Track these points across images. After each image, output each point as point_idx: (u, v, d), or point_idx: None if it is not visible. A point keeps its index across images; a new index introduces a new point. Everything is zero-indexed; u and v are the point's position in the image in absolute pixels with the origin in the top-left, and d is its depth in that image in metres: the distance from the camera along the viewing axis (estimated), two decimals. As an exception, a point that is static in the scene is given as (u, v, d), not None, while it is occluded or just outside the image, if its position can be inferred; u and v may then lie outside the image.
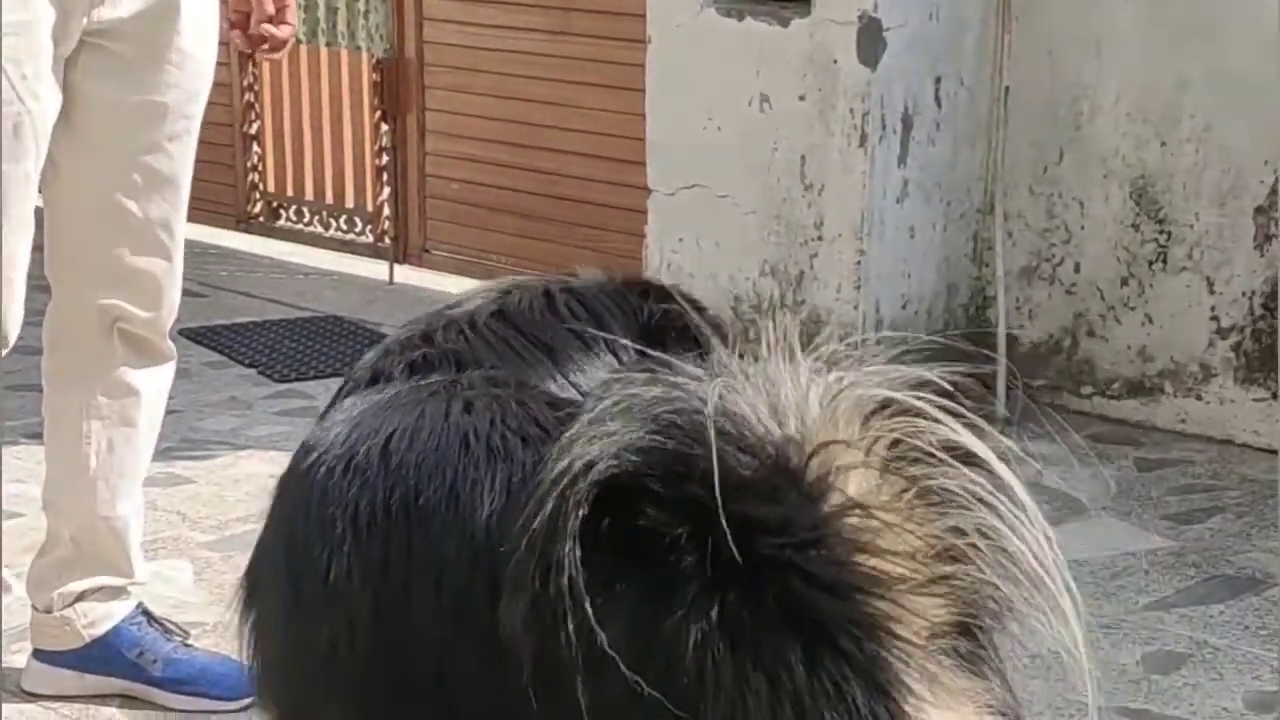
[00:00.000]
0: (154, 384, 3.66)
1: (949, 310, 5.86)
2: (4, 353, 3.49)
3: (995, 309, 5.77)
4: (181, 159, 3.53)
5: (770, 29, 5.66)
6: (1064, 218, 5.74)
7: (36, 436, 5.26)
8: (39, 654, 3.80)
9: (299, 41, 7.54)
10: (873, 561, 1.65)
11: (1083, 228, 5.71)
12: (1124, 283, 5.65)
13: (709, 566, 1.63)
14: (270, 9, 3.51)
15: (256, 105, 7.92)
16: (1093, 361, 5.75)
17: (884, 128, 5.55)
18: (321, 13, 7.42)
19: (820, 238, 5.67)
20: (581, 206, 6.76)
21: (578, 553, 1.61)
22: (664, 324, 2.19)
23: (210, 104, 7.67)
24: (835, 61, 5.54)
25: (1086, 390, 5.76)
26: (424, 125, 7.31)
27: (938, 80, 5.68)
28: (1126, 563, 4.54)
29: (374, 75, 7.42)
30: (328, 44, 7.51)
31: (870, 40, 5.48)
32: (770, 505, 1.64)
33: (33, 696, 3.74)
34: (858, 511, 1.65)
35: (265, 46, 3.58)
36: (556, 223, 6.89)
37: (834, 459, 1.66)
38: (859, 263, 5.61)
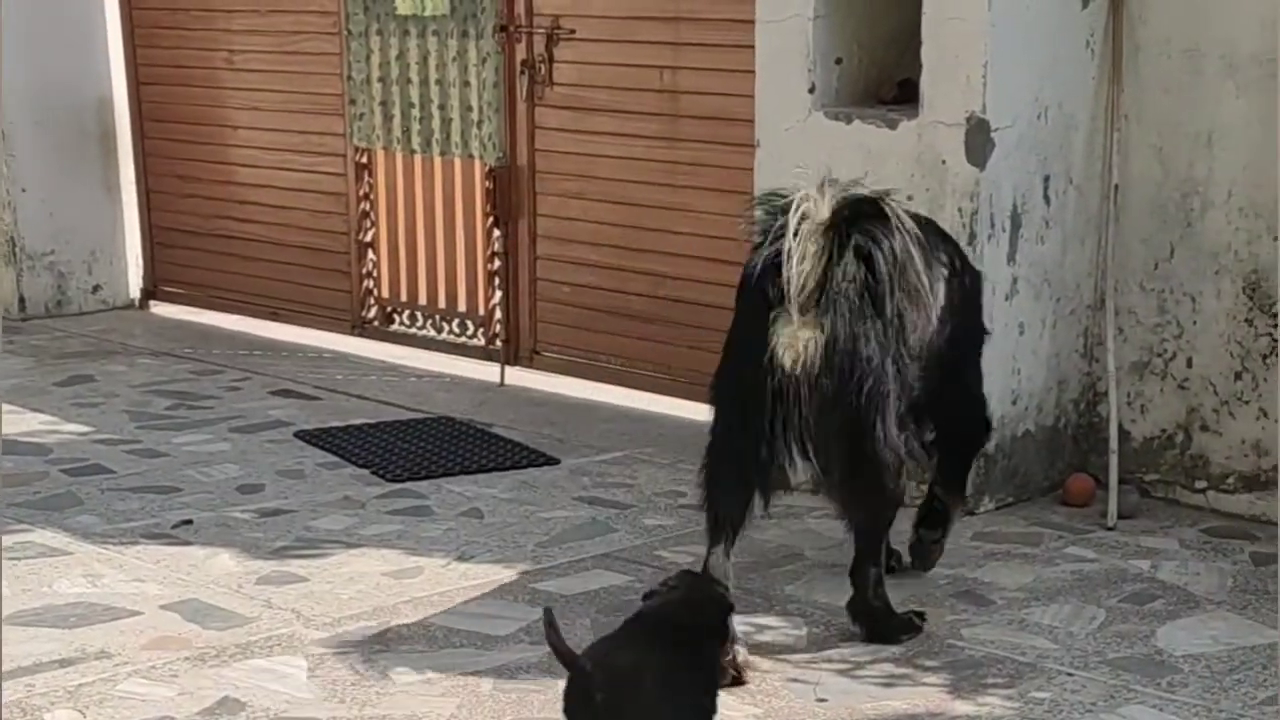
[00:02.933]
0: None
1: (1059, 406, 5.84)
2: None
3: (1107, 404, 5.75)
4: None
5: (879, 131, 5.69)
6: (1175, 313, 5.72)
7: (155, 536, 5.39)
8: None
9: (413, 152, 7.64)
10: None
11: (1195, 322, 5.68)
12: (1237, 377, 5.61)
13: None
14: None
15: (372, 214, 8.02)
16: (1206, 456, 5.70)
17: (993, 226, 5.55)
18: (436, 124, 7.52)
19: (930, 336, 5.66)
20: (690, 308, 6.77)
21: None
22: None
23: (327, 213, 8.01)
24: (943, 162, 5.56)
25: (1200, 484, 5.71)
26: (535, 231, 7.38)
27: (1046, 179, 5.68)
28: (1243, 657, 4.47)
29: (487, 183, 7.51)
30: (442, 154, 7.60)
31: (978, 141, 5.50)
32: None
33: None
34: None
35: None
36: (666, 324, 6.91)
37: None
38: (969, 360, 5.60)
